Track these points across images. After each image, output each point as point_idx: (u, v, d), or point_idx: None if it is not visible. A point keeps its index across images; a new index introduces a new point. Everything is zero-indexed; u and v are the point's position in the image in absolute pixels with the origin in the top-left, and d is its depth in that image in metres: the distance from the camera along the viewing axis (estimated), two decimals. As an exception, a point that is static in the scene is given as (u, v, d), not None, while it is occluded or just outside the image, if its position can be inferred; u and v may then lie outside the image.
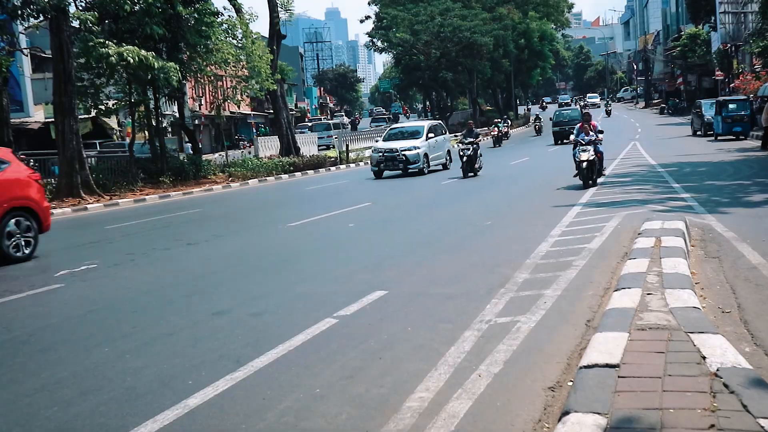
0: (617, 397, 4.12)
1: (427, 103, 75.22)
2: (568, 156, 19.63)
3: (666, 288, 6.40)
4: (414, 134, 27.10)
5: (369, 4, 69.24)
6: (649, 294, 6.26)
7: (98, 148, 35.90)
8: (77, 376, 5.66)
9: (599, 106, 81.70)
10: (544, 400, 4.62)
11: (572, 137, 18.58)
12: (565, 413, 4.02)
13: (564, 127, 39.16)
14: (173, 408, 4.83)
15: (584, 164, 17.08)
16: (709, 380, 4.25)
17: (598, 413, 3.92)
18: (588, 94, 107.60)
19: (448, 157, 28.36)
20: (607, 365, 4.60)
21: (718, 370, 4.38)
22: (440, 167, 27.66)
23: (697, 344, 4.86)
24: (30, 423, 4.83)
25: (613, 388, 4.24)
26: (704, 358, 4.60)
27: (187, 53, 28.71)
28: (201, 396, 5.01)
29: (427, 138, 26.84)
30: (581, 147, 17.24)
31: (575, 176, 17.39)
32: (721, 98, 36.62)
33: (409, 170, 25.87)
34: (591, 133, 17.48)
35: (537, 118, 56.91)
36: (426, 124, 28.63)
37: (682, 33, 66.93)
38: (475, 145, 23.53)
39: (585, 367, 4.65)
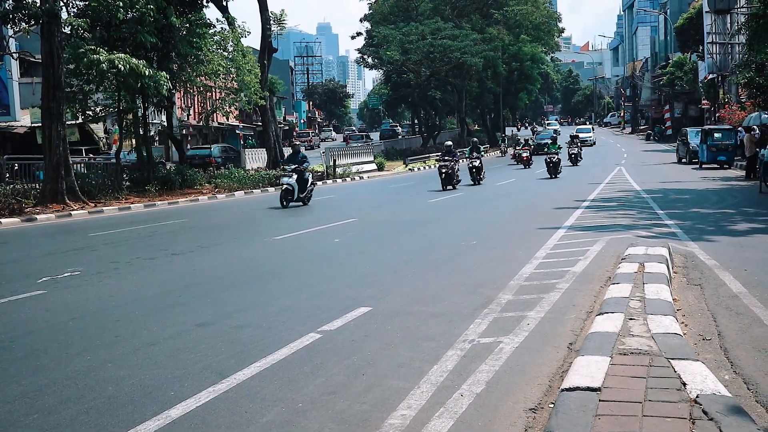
0: (598, 420, 4.15)
1: (416, 120, 75.52)
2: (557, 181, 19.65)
3: (648, 314, 6.46)
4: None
5: (360, 20, 69.79)
6: (631, 319, 6.31)
7: (84, 156, 35.61)
8: (58, 384, 5.63)
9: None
10: (525, 421, 4.65)
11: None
12: (546, 435, 4.05)
13: None
14: (155, 419, 4.81)
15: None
16: (689, 407, 4.30)
17: (579, 436, 3.95)
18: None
19: None
20: (588, 388, 4.63)
21: (697, 396, 4.42)
22: None
23: (678, 370, 4.91)
24: (10, 430, 4.80)
25: (594, 412, 4.27)
26: (684, 384, 4.65)
27: (178, 63, 28.75)
28: (183, 407, 5.01)
29: None
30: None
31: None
32: (706, 127, 36.99)
33: None
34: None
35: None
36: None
37: (670, 61, 67.67)
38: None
39: (566, 389, 4.68)
